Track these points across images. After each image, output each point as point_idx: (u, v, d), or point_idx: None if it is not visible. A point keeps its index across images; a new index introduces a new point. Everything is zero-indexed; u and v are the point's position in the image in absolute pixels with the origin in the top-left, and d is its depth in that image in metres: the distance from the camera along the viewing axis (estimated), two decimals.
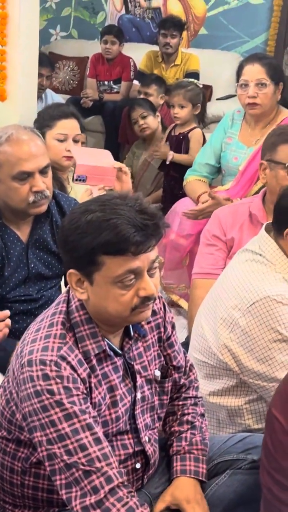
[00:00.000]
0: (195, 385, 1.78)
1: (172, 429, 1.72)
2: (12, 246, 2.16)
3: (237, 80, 3.15)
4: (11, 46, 3.17)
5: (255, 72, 3.05)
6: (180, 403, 1.74)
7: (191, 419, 1.71)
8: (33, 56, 3.30)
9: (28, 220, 2.19)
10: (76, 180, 2.51)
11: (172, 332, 1.69)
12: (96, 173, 2.52)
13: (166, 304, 1.70)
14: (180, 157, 3.84)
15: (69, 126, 2.75)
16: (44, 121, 2.74)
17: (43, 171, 2.08)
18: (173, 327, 1.70)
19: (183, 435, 1.69)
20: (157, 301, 1.64)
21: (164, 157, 3.91)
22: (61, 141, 2.73)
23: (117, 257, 1.41)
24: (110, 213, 1.40)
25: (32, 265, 2.19)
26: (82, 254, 1.42)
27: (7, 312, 1.85)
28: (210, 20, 6.02)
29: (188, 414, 1.72)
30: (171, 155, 3.85)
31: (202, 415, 1.75)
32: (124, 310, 1.46)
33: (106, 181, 2.56)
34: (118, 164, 2.63)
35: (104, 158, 2.66)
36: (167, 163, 3.89)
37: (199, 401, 1.76)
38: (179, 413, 1.73)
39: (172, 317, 1.71)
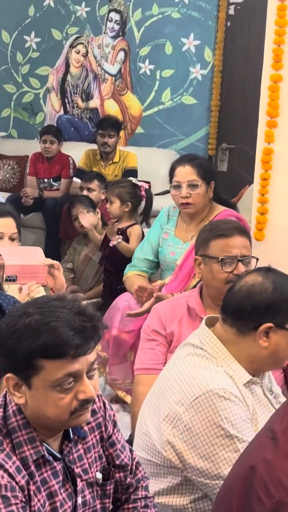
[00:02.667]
0: (144, 484, 1.74)
1: None
2: None
3: (170, 181, 3.25)
4: None
5: (186, 173, 3.16)
6: (130, 506, 1.69)
7: None
8: None
9: None
10: (6, 280, 2.49)
11: (113, 431, 1.67)
12: (26, 271, 2.51)
13: (106, 401, 1.68)
14: (125, 246, 3.87)
15: (5, 224, 2.75)
16: None
17: None
18: (114, 425, 1.68)
19: None
20: (97, 399, 1.62)
21: (113, 236, 3.92)
22: None
23: (56, 360, 1.40)
24: (48, 316, 1.40)
25: None
26: (20, 357, 1.41)
27: None
28: (146, 119, 6.27)
29: None
30: (119, 239, 3.87)
31: None
32: (63, 414, 1.44)
33: (37, 278, 2.54)
34: (48, 261, 2.60)
35: (34, 255, 2.64)
36: (111, 245, 3.92)
37: (150, 501, 1.72)
38: None
39: (114, 415, 1.69)
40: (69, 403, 1.43)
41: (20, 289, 2.52)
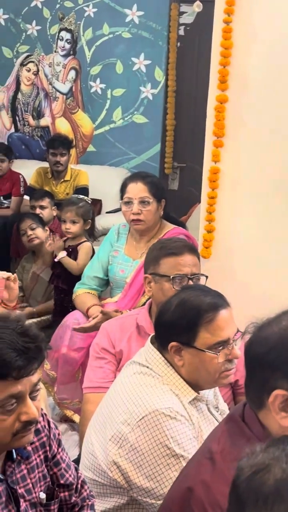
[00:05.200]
0: (89, 502, 1.73)
1: None
2: None
3: (121, 198, 3.27)
4: None
5: (138, 190, 3.18)
6: None
7: None
8: None
9: None
10: None
11: (58, 450, 1.66)
12: None
13: (51, 420, 1.67)
14: (69, 261, 3.87)
15: None
16: None
17: None
18: (59, 444, 1.67)
19: None
20: (41, 418, 1.60)
21: (57, 250, 3.92)
22: None
23: None
24: None
25: None
26: None
27: None
28: (98, 138, 6.30)
29: None
30: (63, 255, 3.87)
31: None
32: (5, 436, 1.42)
33: None
34: (5, 274, 2.67)
35: None
36: (55, 260, 3.91)
37: None
38: None
39: (59, 434, 1.68)
40: (11, 425, 1.42)
41: None
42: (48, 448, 1.62)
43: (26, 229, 4.34)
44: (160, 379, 1.93)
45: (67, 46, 6.24)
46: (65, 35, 6.22)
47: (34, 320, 3.99)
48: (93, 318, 3.08)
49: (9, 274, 2.72)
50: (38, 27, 6.29)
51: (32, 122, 6.48)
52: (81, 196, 4.23)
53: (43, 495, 1.58)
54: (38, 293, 4.29)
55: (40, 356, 1.43)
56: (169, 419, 1.82)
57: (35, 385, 1.45)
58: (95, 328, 3.02)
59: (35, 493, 1.57)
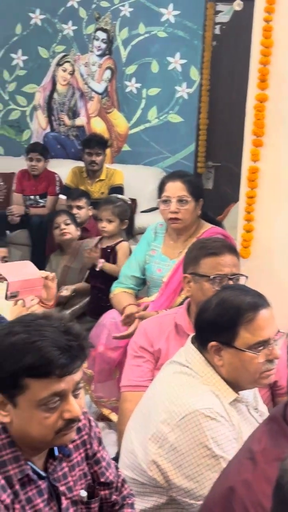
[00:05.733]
0: (130, 501, 1.73)
1: None
2: None
3: (159, 196, 3.26)
4: None
5: (176, 189, 3.18)
6: None
7: None
8: None
9: None
10: (10, 297, 2.53)
11: (98, 448, 1.66)
12: (26, 286, 2.57)
13: (92, 419, 1.67)
14: (110, 266, 3.89)
15: None
16: None
17: None
18: (99, 442, 1.67)
19: None
20: (82, 417, 1.61)
21: (95, 261, 3.94)
22: None
23: (41, 380, 1.39)
24: (34, 335, 1.40)
25: None
26: (5, 376, 1.40)
27: None
28: (133, 137, 6.30)
29: None
30: (101, 263, 3.90)
31: None
32: (48, 433, 1.43)
33: (35, 291, 2.61)
34: (44, 273, 2.69)
35: (29, 269, 2.70)
36: (97, 269, 3.93)
37: None
38: None
39: (99, 432, 1.68)
40: (54, 422, 1.43)
41: (24, 304, 2.56)
42: (89, 446, 1.63)
43: (60, 223, 4.39)
44: (200, 379, 1.92)
45: (103, 46, 6.26)
46: (101, 35, 6.24)
47: (68, 310, 4.03)
48: (127, 320, 3.07)
49: (48, 273, 2.73)
50: (74, 27, 6.32)
51: (67, 121, 6.51)
52: (120, 196, 4.25)
53: (84, 493, 1.59)
54: (72, 282, 4.31)
55: (82, 354, 1.44)
56: (209, 419, 1.82)
57: (77, 383, 1.45)
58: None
59: (76, 491, 1.58)
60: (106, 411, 3.27)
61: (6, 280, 2.62)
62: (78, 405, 1.46)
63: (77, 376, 1.45)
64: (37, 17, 6.40)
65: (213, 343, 1.90)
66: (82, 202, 4.81)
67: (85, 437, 1.63)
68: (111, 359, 3.21)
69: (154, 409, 1.94)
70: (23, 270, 2.70)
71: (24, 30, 6.45)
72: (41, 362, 1.38)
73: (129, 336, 3.00)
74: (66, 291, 4.12)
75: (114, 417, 3.21)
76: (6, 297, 2.57)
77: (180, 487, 1.83)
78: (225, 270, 2.46)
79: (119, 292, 3.36)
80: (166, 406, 1.89)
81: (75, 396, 1.46)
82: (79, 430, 1.60)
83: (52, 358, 1.38)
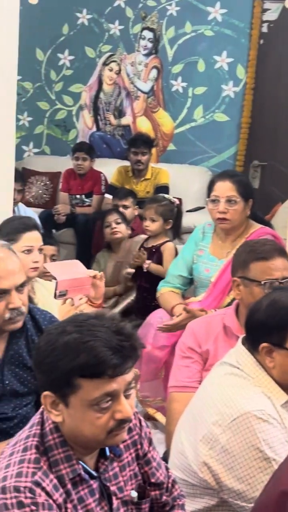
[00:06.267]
0: (180, 502, 1.72)
1: None
2: None
3: (208, 195, 3.24)
4: None
5: (225, 188, 3.15)
6: None
7: None
8: (8, 174, 3.37)
9: (3, 336, 2.17)
10: (59, 296, 2.55)
11: (149, 448, 1.66)
12: (75, 285, 2.59)
13: (142, 419, 1.67)
14: (156, 267, 3.90)
15: (33, 238, 2.80)
16: (8, 235, 2.76)
17: (19, 288, 2.09)
18: (150, 442, 1.67)
19: None
20: (133, 417, 1.60)
21: (142, 263, 3.96)
22: (27, 253, 2.76)
23: (93, 380, 1.40)
24: (87, 335, 1.40)
25: (7, 382, 2.15)
26: (58, 376, 1.41)
27: None
28: (178, 136, 6.29)
29: None
30: (148, 264, 3.91)
31: None
32: (100, 433, 1.43)
33: (83, 290, 2.64)
34: (92, 272, 2.72)
35: (77, 268, 2.73)
36: (144, 270, 3.94)
37: None
38: None
39: (150, 432, 1.68)
40: (106, 422, 1.43)
41: (73, 304, 2.58)
42: (139, 446, 1.63)
43: (111, 222, 4.43)
44: (251, 381, 1.91)
45: (149, 45, 6.26)
46: (148, 34, 6.24)
47: (118, 308, 4.05)
48: (177, 316, 3.07)
49: (96, 272, 2.75)
50: (121, 27, 6.34)
51: (113, 121, 6.53)
52: (166, 196, 4.24)
53: (134, 494, 1.59)
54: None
55: (134, 354, 1.44)
56: (261, 421, 1.80)
57: (129, 384, 1.45)
58: (179, 326, 3.02)
59: (127, 491, 1.58)
60: (151, 411, 3.27)
61: (55, 279, 2.64)
62: (130, 405, 1.46)
63: (128, 376, 1.44)
64: (84, 17, 6.44)
65: (264, 344, 1.89)
66: (128, 201, 4.83)
67: (136, 437, 1.63)
68: (158, 358, 3.21)
69: (205, 410, 1.93)
70: (72, 269, 2.73)
71: (71, 30, 6.49)
72: (94, 362, 1.38)
73: (174, 328, 3.00)
74: (130, 270, 4.12)
75: (159, 416, 3.21)
76: (55, 296, 2.60)
77: (231, 489, 1.82)
78: (276, 275, 2.41)
79: (166, 292, 3.35)
80: (217, 408, 1.87)
81: (127, 397, 1.46)
82: (130, 430, 1.60)
83: (105, 358, 1.38)
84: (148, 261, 3.92)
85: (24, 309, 2.12)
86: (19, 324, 2.12)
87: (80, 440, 1.46)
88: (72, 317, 1.54)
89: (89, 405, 1.41)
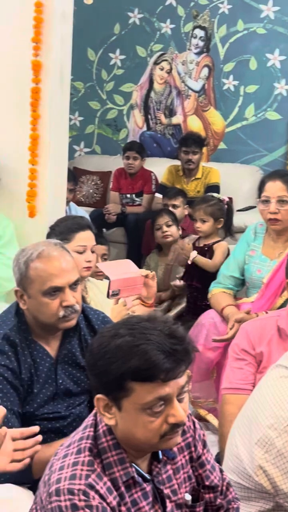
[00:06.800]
0: (235, 506, 1.70)
1: None
2: (41, 362, 2.15)
3: (259, 196, 3.21)
4: (41, 165, 3.29)
5: (276, 189, 3.12)
6: None
7: None
8: (62, 174, 3.42)
9: (57, 335, 2.19)
10: (112, 295, 2.56)
11: (203, 451, 1.64)
12: (127, 284, 2.60)
13: (196, 421, 1.66)
14: (202, 260, 3.86)
15: (86, 237, 2.81)
16: (62, 234, 2.77)
17: (73, 286, 2.10)
18: (204, 445, 1.65)
19: None
20: (186, 419, 1.58)
21: (188, 254, 3.93)
22: (80, 252, 2.77)
23: (146, 383, 1.39)
24: (139, 338, 1.40)
25: (61, 381, 2.17)
26: (111, 379, 1.41)
27: (35, 428, 1.76)
28: (229, 135, 6.26)
29: None
30: (194, 255, 3.87)
31: None
32: (153, 437, 1.43)
33: (136, 290, 2.65)
34: (144, 271, 2.73)
35: (129, 268, 2.74)
36: (189, 262, 3.91)
37: None
38: None
39: (204, 435, 1.67)
40: (159, 426, 1.42)
41: (125, 304, 2.59)
42: (193, 448, 1.62)
43: (162, 225, 4.41)
44: None
45: (201, 43, 6.23)
46: (199, 32, 6.22)
47: (172, 313, 4.04)
48: (230, 328, 3.04)
49: (148, 271, 2.75)
50: (172, 25, 6.33)
51: (164, 120, 6.53)
52: (215, 195, 4.21)
53: (188, 497, 1.58)
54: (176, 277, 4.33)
55: (187, 358, 1.42)
56: None
57: (182, 387, 1.44)
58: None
59: (181, 494, 1.56)
60: (203, 412, 3.26)
61: (107, 278, 2.66)
62: (183, 409, 1.45)
63: (181, 380, 1.43)
64: (135, 16, 6.45)
65: None
66: (178, 201, 4.81)
67: (190, 439, 1.62)
68: (209, 359, 3.19)
69: (260, 413, 1.90)
70: (124, 269, 2.73)
71: (123, 29, 6.51)
72: (146, 366, 1.37)
73: (229, 339, 2.97)
74: (178, 281, 4.12)
75: (210, 418, 3.20)
76: (108, 295, 2.61)
77: (287, 494, 1.79)
78: None
79: (218, 292, 3.33)
80: (273, 411, 1.85)
81: (180, 400, 1.44)
82: (183, 432, 1.59)
83: (157, 362, 1.37)
84: (194, 252, 3.88)
85: (78, 307, 2.12)
86: (73, 322, 2.13)
87: (133, 444, 1.46)
88: (124, 319, 1.54)
89: (142, 409, 1.40)
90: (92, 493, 1.38)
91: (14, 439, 1.67)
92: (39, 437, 1.72)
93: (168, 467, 1.56)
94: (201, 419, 3.29)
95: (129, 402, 1.41)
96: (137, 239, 5.29)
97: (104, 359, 1.41)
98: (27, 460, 1.65)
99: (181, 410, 1.43)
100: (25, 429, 1.71)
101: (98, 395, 1.45)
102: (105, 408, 1.45)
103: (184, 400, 1.47)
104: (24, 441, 1.67)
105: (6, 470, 1.64)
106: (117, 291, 2.60)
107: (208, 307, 3.42)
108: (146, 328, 1.42)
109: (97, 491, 1.39)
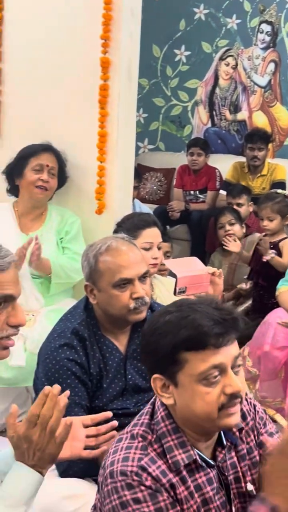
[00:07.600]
0: None
1: None
2: (110, 357, 2.16)
3: None
4: (109, 162, 3.30)
5: None
6: None
7: None
8: (129, 171, 3.42)
9: (126, 330, 2.20)
10: (179, 293, 2.56)
11: (263, 430, 1.61)
12: (194, 281, 2.60)
13: (257, 404, 1.64)
14: (277, 260, 3.78)
15: (153, 234, 2.81)
16: (128, 231, 2.78)
17: (141, 278, 2.12)
18: (264, 425, 1.62)
19: None
20: (245, 403, 1.58)
21: (265, 252, 3.87)
22: (147, 249, 2.77)
23: (198, 352, 1.40)
24: (187, 311, 1.43)
25: (130, 376, 2.17)
26: (163, 354, 1.43)
27: (108, 414, 1.77)
28: None
29: None
30: (272, 254, 3.81)
31: None
32: (211, 410, 1.42)
33: (202, 287, 2.64)
34: (211, 269, 2.71)
35: (196, 265, 2.74)
36: (264, 260, 3.86)
37: None
38: None
39: (264, 411, 1.64)
40: (217, 397, 1.41)
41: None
42: (256, 432, 1.60)
43: (225, 224, 4.37)
44: None
45: (267, 38, 6.15)
46: (265, 27, 6.14)
47: (240, 308, 4.02)
48: None
49: (214, 269, 2.73)
50: (238, 21, 6.26)
51: (228, 116, 6.47)
52: (279, 191, 4.15)
53: (250, 487, 1.55)
54: (240, 280, 4.29)
55: (236, 326, 1.43)
56: None
57: (235, 359, 1.44)
58: None
59: (244, 482, 1.55)
60: (271, 412, 3.22)
61: (171, 275, 2.65)
62: (240, 382, 1.44)
63: (234, 350, 1.44)
64: (201, 12, 6.42)
65: None
66: (243, 199, 4.76)
67: (251, 422, 1.60)
68: (277, 358, 3.16)
69: None
70: (191, 266, 2.73)
71: (188, 25, 6.48)
72: (196, 333, 1.39)
73: None
74: (245, 285, 4.09)
75: (279, 418, 3.16)
76: (175, 293, 2.61)
77: None
78: None
79: (286, 290, 3.29)
80: None
81: (235, 373, 1.44)
82: (244, 417, 1.57)
83: (206, 329, 1.39)
84: (272, 251, 3.82)
85: (148, 299, 2.14)
86: (143, 315, 2.14)
87: (193, 422, 1.45)
88: (173, 302, 1.56)
89: (198, 380, 1.41)
90: (144, 474, 1.40)
91: (86, 426, 1.69)
92: (114, 423, 1.74)
93: (233, 453, 1.55)
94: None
95: (184, 375, 1.42)
96: (201, 237, 5.26)
97: (155, 335, 1.44)
98: (105, 447, 1.67)
99: (237, 380, 1.43)
100: (97, 415, 1.74)
101: (154, 375, 1.46)
102: (162, 388, 1.46)
103: (240, 373, 1.47)
104: (96, 427, 1.70)
105: (82, 455, 1.66)
106: (184, 288, 2.60)
107: (275, 305, 3.38)
108: (193, 303, 1.46)
109: (149, 474, 1.40)
